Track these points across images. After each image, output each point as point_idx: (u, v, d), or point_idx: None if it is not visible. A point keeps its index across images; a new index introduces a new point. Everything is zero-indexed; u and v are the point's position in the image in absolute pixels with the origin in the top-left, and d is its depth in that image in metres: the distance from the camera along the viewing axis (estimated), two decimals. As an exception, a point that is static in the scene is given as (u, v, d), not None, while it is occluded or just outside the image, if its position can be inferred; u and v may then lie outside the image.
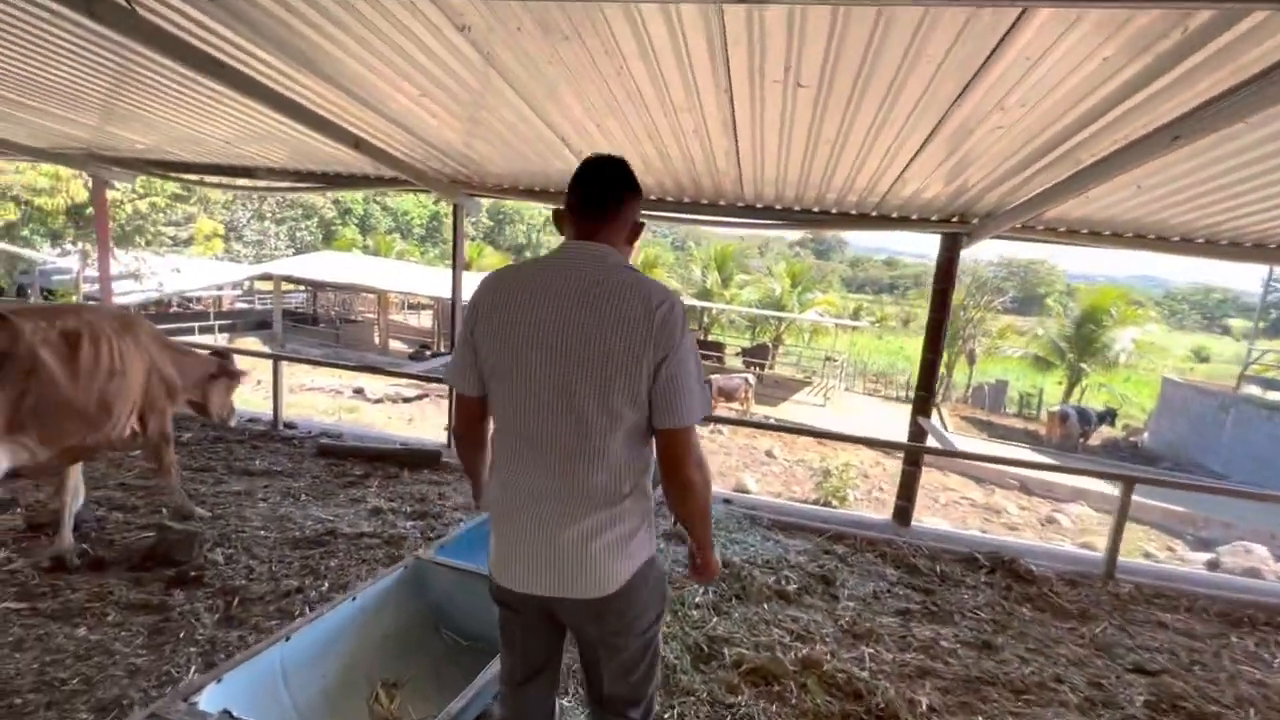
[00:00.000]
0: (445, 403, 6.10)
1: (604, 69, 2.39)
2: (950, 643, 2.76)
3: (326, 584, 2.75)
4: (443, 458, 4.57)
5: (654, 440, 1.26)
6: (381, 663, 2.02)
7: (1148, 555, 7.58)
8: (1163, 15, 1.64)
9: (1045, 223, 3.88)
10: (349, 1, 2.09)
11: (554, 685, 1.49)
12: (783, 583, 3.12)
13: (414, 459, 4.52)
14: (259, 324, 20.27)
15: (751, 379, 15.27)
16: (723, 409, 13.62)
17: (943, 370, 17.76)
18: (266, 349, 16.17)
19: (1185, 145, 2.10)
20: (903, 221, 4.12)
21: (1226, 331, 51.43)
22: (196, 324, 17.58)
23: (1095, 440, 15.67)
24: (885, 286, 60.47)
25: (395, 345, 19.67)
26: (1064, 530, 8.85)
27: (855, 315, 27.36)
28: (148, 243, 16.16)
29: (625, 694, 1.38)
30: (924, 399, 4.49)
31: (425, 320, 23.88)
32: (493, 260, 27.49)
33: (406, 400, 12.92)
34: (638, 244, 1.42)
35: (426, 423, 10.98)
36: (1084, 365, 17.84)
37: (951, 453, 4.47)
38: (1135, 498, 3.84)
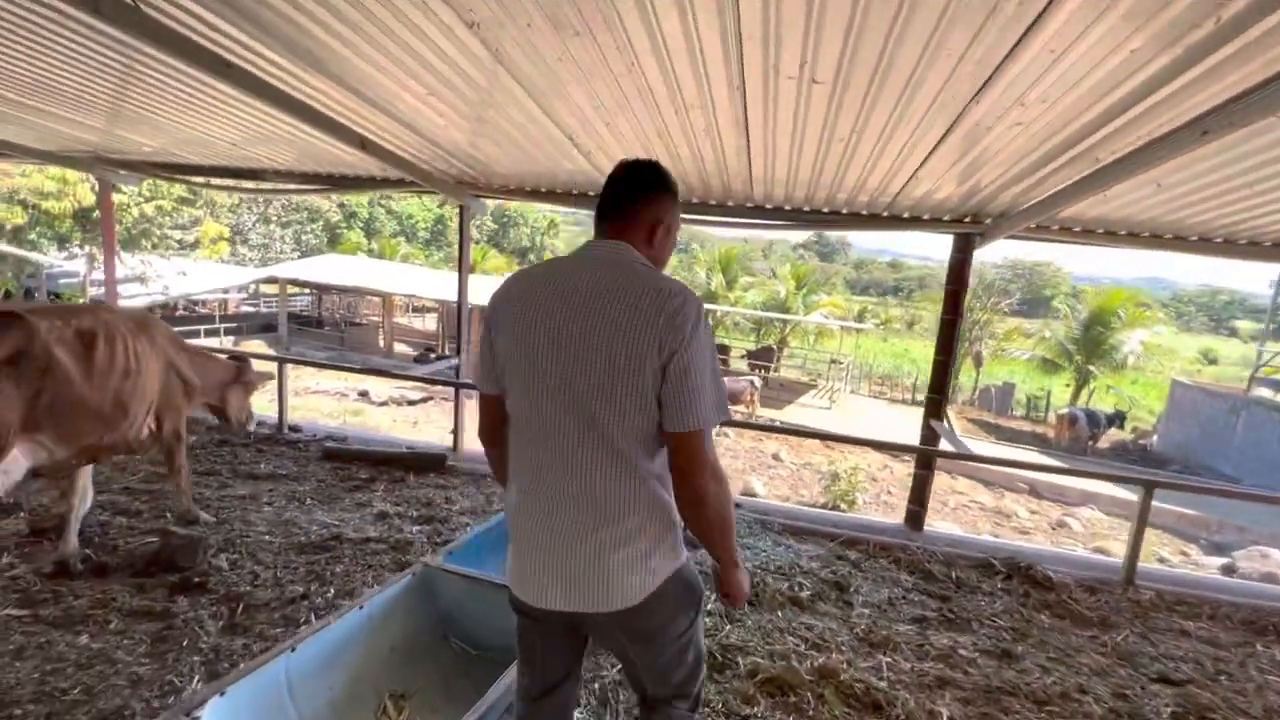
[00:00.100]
0: (450, 405, 6.06)
1: (615, 66, 2.35)
2: (969, 651, 2.70)
3: (332, 590, 2.70)
4: (448, 461, 4.53)
5: None
6: (389, 673, 1.97)
7: (1162, 560, 7.47)
8: (1196, 4, 1.58)
9: (1060, 222, 3.82)
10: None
11: (573, 700, 1.43)
12: (796, 589, 3.06)
13: (420, 463, 4.47)
14: (264, 327, 20.33)
15: (757, 381, 15.21)
16: (727, 412, 13.52)
17: (949, 373, 17.62)
18: (272, 352, 16.20)
19: (1214, 140, 2.04)
20: (915, 222, 4.07)
21: (1234, 333, 51.16)
22: (202, 327, 17.62)
23: (1104, 443, 15.54)
24: (889, 289, 60.34)
25: (400, 348, 19.67)
26: (1075, 534, 8.75)
27: (860, 317, 27.26)
28: (154, 246, 16.23)
29: (669, 693, 1.34)
30: (936, 401, 4.42)
31: (430, 323, 23.89)
32: (497, 263, 27.54)
33: (411, 403, 12.91)
34: (670, 246, 1.35)
35: (431, 425, 10.96)
36: (1092, 367, 17.71)
37: (967, 456, 4.40)
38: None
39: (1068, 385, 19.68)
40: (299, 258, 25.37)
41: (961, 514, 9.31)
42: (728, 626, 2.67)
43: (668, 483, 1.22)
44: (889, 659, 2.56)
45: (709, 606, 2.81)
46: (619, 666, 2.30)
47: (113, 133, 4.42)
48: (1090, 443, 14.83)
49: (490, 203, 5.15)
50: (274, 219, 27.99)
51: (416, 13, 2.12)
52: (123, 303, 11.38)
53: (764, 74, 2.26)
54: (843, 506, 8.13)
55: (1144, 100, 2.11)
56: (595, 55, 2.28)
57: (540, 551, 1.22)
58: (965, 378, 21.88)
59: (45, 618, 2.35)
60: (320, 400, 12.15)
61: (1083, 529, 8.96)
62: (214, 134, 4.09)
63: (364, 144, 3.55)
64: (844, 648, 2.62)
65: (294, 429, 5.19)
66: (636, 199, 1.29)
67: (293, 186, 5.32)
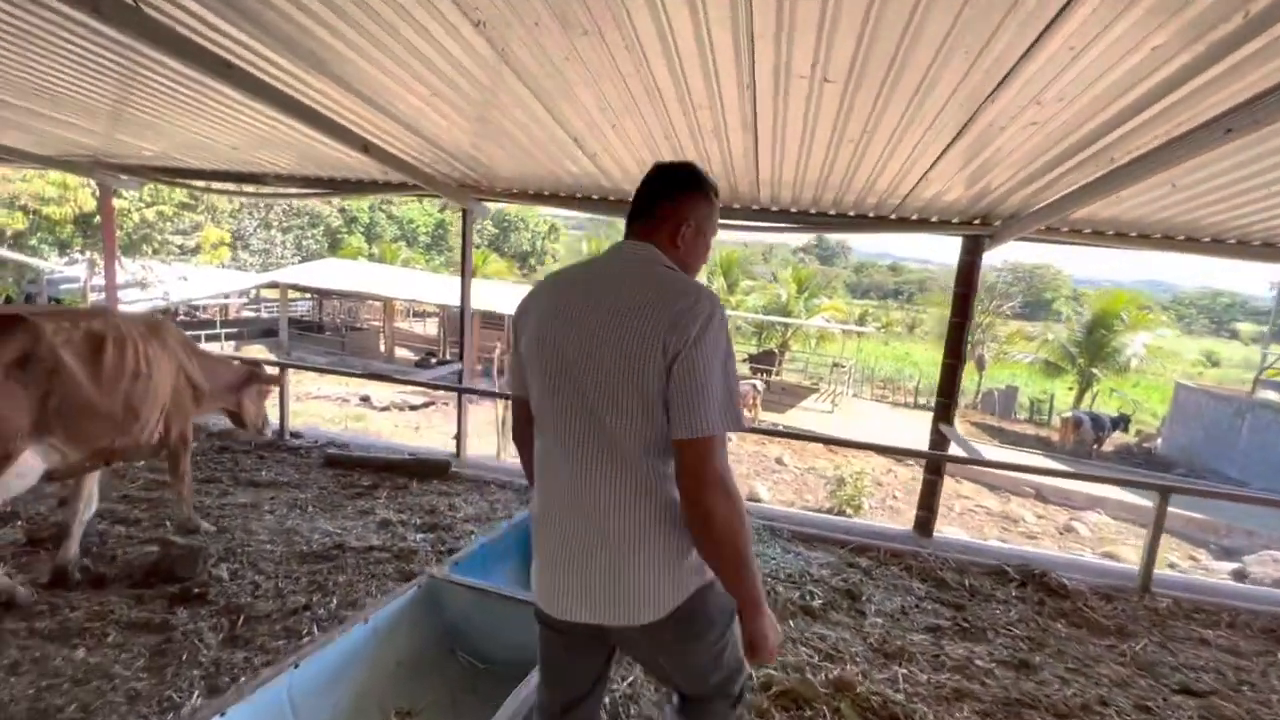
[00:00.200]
0: (452, 410, 6.01)
1: (623, 66, 2.31)
2: (986, 662, 2.64)
3: (335, 601, 2.64)
4: (452, 468, 4.48)
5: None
6: (395, 689, 1.91)
7: (1172, 565, 7.39)
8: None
9: (1071, 224, 3.77)
10: (362, -2, 2.02)
11: (595, 717, 1.37)
12: (808, 598, 3.00)
13: (423, 469, 4.42)
14: (265, 332, 20.29)
15: (759, 385, 15.14)
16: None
17: (952, 376, 17.57)
18: (273, 357, 16.15)
19: (1236, 139, 1.99)
20: (923, 224, 4.02)
21: (1235, 335, 51.11)
22: (203, 332, 17.58)
23: (1108, 446, 15.46)
24: (890, 292, 60.26)
25: (401, 353, 19.64)
26: (1083, 539, 8.67)
27: (861, 321, 27.22)
28: (155, 251, 16.19)
29: (708, 694, 1.30)
30: (945, 405, 4.37)
31: (431, 328, 23.86)
32: (497, 268, 27.50)
33: (413, 408, 12.86)
34: (700, 249, 1.30)
35: (434, 431, 10.90)
36: (1095, 370, 17.65)
37: (979, 462, 4.34)
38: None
39: (1071, 388, 19.60)
40: (300, 263, 25.36)
41: (968, 519, 9.24)
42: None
43: None
44: (905, 670, 2.50)
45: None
46: (629, 680, 2.24)
47: (113, 137, 4.39)
48: (1095, 446, 14.75)
49: (491, 206, 5.11)
50: (275, 224, 28.00)
51: (421, 11, 2.08)
52: (123, 308, 11.33)
53: (775, 72, 2.22)
54: (849, 512, 8.06)
55: (1163, 99, 2.06)
56: (603, 54, 2.24)
57: (560, 560, 1.18)
58: (968, 381, 21.80)
59: (41, 631, 2.30)
60: (321, 405, 12.10)
61: (1090, 534, 8.89)
62: (215, 138, 4.05)
63: (366, 147, 3.51)
64: (858, 659, 2.56)
65: (295, 435, 5.13)
66: (662, 198, 1.26)
67: (294, 190, 5.29)
